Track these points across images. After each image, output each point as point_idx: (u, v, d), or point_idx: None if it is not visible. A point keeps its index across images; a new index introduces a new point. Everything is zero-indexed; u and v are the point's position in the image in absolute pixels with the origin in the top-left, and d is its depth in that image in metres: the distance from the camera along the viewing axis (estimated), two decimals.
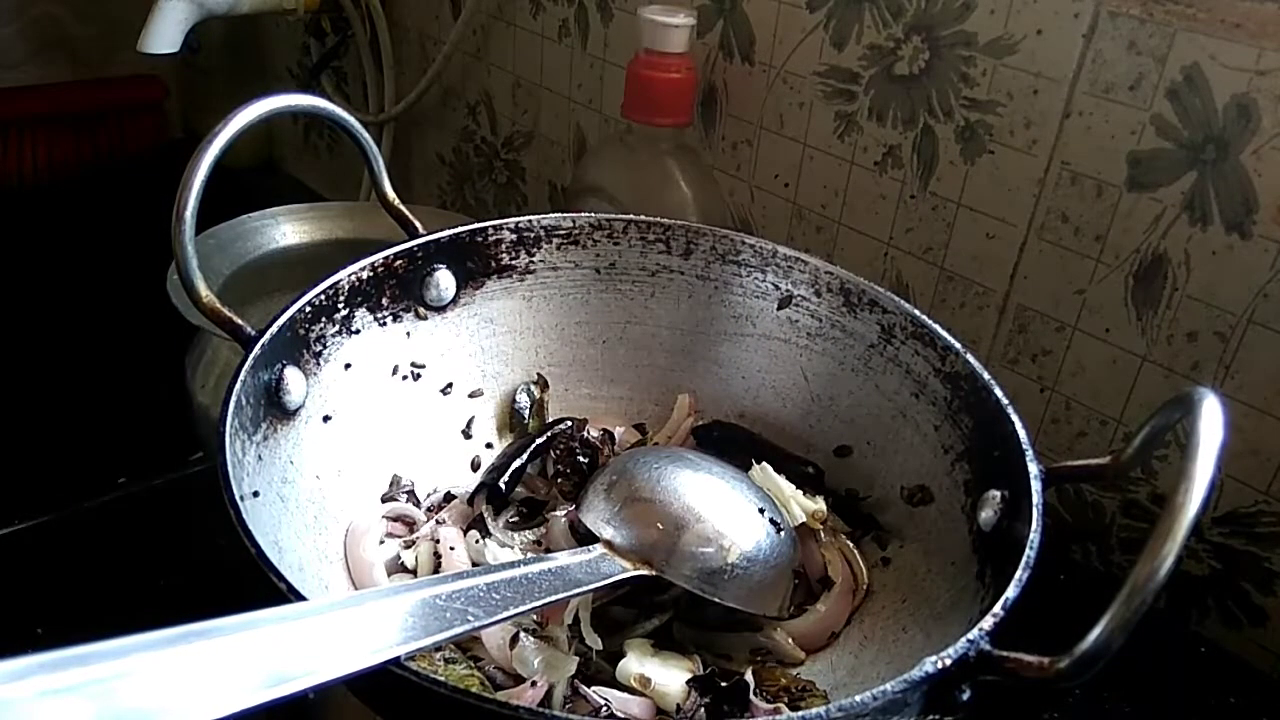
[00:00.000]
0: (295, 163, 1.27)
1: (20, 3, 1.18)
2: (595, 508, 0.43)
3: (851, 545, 0.47)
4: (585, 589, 0.39)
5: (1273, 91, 0.48)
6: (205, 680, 0.26)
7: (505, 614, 0.34)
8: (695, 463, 0.45)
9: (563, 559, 0.39)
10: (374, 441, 0.48)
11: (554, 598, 0.37)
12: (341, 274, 0.46)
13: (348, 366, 0.47)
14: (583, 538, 0.45)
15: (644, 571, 0.41)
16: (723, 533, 0.42)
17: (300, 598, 0.31)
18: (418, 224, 0.50)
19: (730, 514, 0.43)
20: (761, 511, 0.44)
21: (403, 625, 0.31)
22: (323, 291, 0.45)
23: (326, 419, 0.45)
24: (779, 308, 0.52)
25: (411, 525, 0.47)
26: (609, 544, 0.41)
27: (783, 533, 0.44)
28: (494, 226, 0.51)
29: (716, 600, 0.41)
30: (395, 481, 0.48)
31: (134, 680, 0.24)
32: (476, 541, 0.46)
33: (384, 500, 0.48)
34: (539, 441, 0.50)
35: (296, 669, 0.27)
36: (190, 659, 0.26)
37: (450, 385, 0.52)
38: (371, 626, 0.30)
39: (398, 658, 0.29)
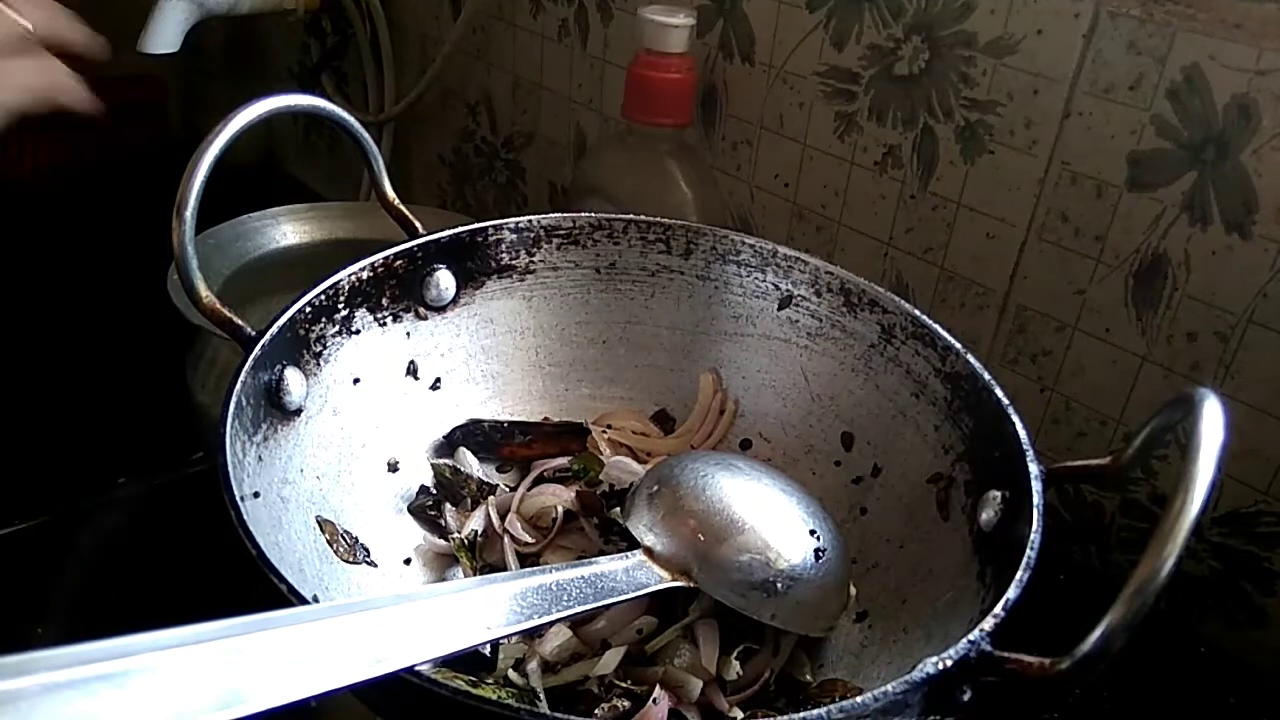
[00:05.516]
0: (295, 163, 1.26)
1: None
2: (638, 513, 0.42)
3: None
4: (621, 598, 0.38)
5: (1273, 91, 0.48)
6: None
7: (532, 623, 0.34)
8: (745, 470, 0.44)
9: (601, 565, 0.39)
10: (375, 442, 0.48)
11: (587, 606, 0.36)
12: (341, 274, 0.46)
13: (347, 367, 0.47)
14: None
15: (681, 583, 0.40)
16: (768, 546, 0.40)
17: (300, 599, 0.31)
18: (418, 224, 0.50)
19: (777, 527, 0.41)
20: (813, 533, 0.42)
21: (417, 634, 0.31)
22: (323, 292, 0.45)
23: (327, 419, 0.45)
24: (779, 308, 0.52)
25: None
26: (649, 551, 0.41)
27: (830, 555, 0.42)
28: (494, 226, 0.51)
29: (755, 617, 0.40)
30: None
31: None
32: None
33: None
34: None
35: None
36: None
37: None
38: (378, 636, 0.30)
39: (410, 667, 0.29)
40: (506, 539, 0.46)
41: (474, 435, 0.51)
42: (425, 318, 0.50)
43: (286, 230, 0.74)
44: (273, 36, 1.20)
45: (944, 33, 0.59)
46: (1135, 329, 0.56)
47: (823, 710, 0.29)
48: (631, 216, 0.53)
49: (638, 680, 0.40)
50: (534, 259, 0.53)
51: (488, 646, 0.41)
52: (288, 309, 0.43)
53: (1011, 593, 0.33)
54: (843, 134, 0.66)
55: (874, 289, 0.49)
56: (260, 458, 0.40)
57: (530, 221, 0.52)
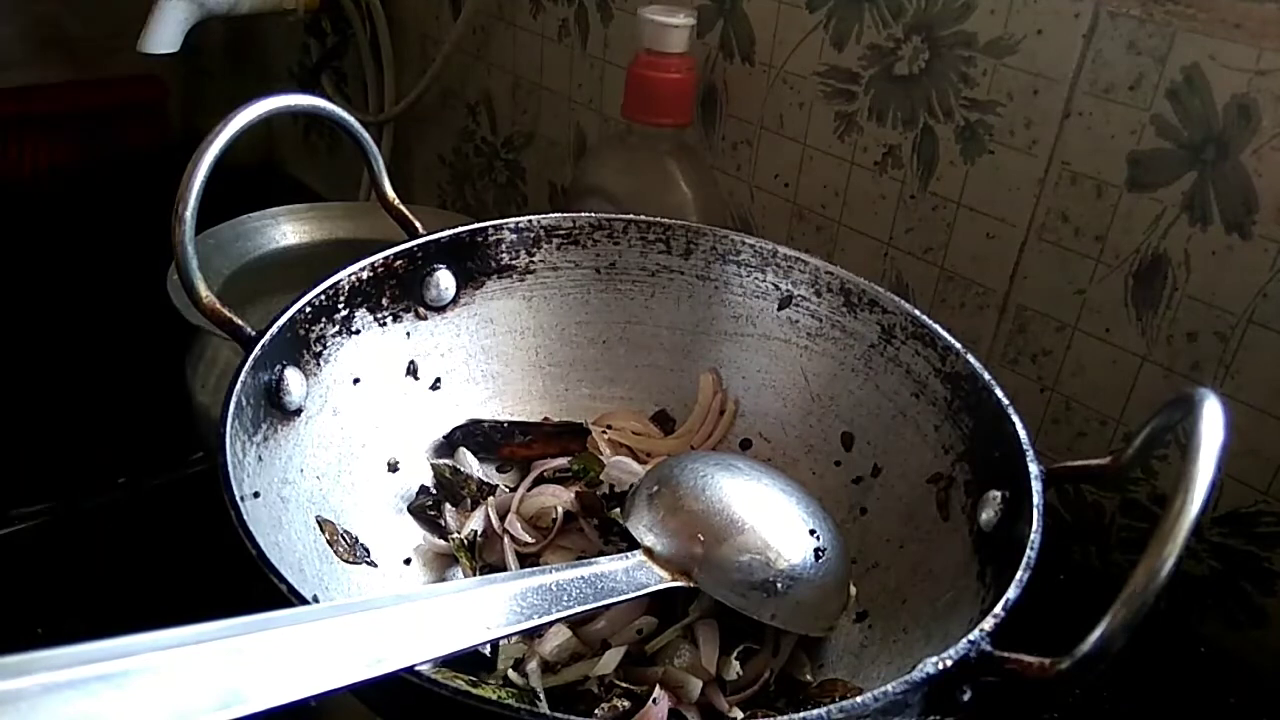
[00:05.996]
0: (295, 163, 1.26)
1: (20, 2, 1.18)
2: (638, 514, 0.42)
3: None
4: (621, 598, 0.38)
5: (1273, 91, 0.48)
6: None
7: (532, 623, 0.34)
8: (745, 470, 0.44)
9: (601, 565, 0.39)
10: (375, 442, 0.48)
11: (587, 606, 0.36)
12: (341, 274, 0.46)
13: (347, 367, 0.47)
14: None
15: (681, 583, 0.40)
16: (768, 546, 0.40)
17: (300, 599, 0.31)
18: (418, 224, 0.50)
19: (777, 527, 0.41)
20: (813, 533, 0.42)
21: (417, 634, 0.31)
22: (323, 292, 0.45)
23: (327, 419, 0.45)
24: (779, 308, 0.52)
25: None
26: (649, 551, 0.41)
27: (830, 555, 0.42)
28: (494, 226, 0.51)
29: (755, 617, 0.40)
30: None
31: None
32: None
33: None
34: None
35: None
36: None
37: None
38: (378, 636, 0.30)
39: (410, 667, 0.29)
40: (506, 539, 0.46)
41: (474, 435, 0.51)
42: (425, 318, 0.50)
43: (286, 230, 0.74)
44: (273, 36, 1.20)
45: (944, 33, 0.59)
46: (1135, 329, 0.56)
47: (823, 710, 0.29)
48: (631, 216, 0.53)
49: (638, 680, 0.40)
50: (534, 259, 0.53)
51: (488, 646, 0.41)
52: (288, 309, 0.43)
53: (1011, 593, 0.33)
54: (843, 134, 0.66)
55: (874, 289, 0.49)
56: (260, 458, 0.40)
57: (530, 221, 0.52)
